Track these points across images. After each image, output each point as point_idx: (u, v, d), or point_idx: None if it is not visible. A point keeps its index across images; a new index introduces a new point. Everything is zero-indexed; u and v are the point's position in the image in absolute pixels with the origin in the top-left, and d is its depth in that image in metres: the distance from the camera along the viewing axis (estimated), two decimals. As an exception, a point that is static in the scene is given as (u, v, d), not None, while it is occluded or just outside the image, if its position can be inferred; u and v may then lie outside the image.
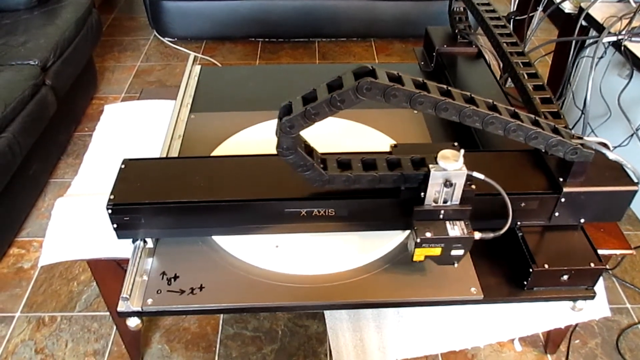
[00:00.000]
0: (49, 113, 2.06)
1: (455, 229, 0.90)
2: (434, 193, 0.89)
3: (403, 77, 0.79)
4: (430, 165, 0.87)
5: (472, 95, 0.84)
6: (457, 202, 0.91)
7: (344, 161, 0.93)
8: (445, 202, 0.90)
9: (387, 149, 1.00)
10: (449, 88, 0.83)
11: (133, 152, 1.32)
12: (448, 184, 0.87)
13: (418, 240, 0.89)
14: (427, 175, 0.88)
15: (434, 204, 0.91)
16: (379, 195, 0.95)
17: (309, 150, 0.89)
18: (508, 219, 0.91)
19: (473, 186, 0.90)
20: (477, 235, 0.92)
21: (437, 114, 0.81)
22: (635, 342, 1.60)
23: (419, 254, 0.92)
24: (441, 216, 0.91)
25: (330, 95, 0.76)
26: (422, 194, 0.90)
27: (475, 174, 0.88)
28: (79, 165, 1.29)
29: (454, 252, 0.92)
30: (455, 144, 1.00)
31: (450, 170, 0.86)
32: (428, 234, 0.89)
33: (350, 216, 0.98)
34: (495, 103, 0.85)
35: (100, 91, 2.77)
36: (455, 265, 0.95)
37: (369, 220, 1.00)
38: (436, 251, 0.91)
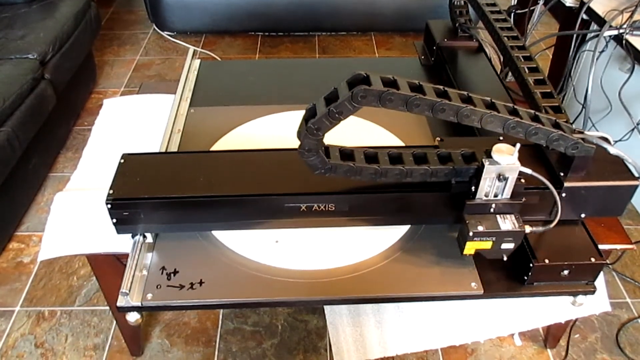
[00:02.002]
0: (48, 107, 2.05)
1: (507, 223, 0.91)
2: (486, 187, 0.90)
3: (398, 81, 0.79)
4: (484, 159, 0.87)
5: (470, 94, 0.84)
6: (508, 196, 0.91)
7: (394, 155, 0.93)
8: (495, 196, 0.91)
9: (388, 143, 1.00)
10: (446, 88, 0.82)
11: (132, 146, 1.31)
12: (501, 177, 0.87)
13: (470, 234, 0.89)
14: (479, 169, 0.88)
15: (485, 198, 0.91)
16: (419, 189, 0.95)
17: (348, 153, 0.90)
18: (557, 213, 0.92)
19: (522, 180, 0.90)
20: (528, 229, 0.92)
21: (435, 116, 0.81)
22: (635, 337, 1.60)
23: (470, 248, 0.92)
24: (492, 210, 0.92)
25: (328, 109, 0.77)
26: (473, 187, 0.90)
27: (524, 169, 0.88)
28: (78, 160, 1.29)
29: (504, 246, 0.92)
30: (501, 138, 1.00)
31: (504, 164, 0.86)
32: (480, 228, 0.90)
33: (350, 211, 0.98)
34: (493, 101, 0.85)
35: (99, 85, 2.76)
36: (505, 258, 0.95)
37: (369, 215, 0.99)
38: (487, 245, 0.92)
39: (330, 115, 0.78)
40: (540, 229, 0.94)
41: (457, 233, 0.97)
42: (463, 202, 0.92)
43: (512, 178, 0.88)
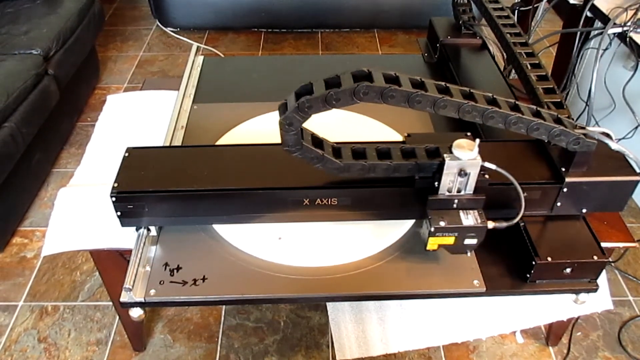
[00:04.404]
0: (52, 103, 2.06)
1: (469, 218, 0.91)
2: (448, 182, 0.90)
3: (400, 77, 0.79)
4: (445, 155, 0.87)
5: (471, 91, 0.84)
6: (471, 192, 0.91)
7: (358, 150, 0.93)
8: (459, 191, 0.91)
9: (390, 139, 1.00)
10: (447, 85, 0.82)
11: (135, 142, 1.30)
12: (462, 173, 0.88)
13: (432, 229, 0.90)
14: (441, 164, 0.88)
15: (447, 193, 0.91)
16: (387, 184, 0.95)
17: (318, 141, 0.90)
18: (521, 209, 0.92)
19: (487, 176, 0.90)
20: (491, 224, 0.92)
21: (436, 112, 0.81)
22: (637, 335, 1.60)
23: (433, 243, 0.93)
24: (455, 205, 0.92)
25: (328, 92, 0.77)
26: (436, 183, 0.90)
27: (487, 164, 0.88)
28: (82, 155, 1.29)
29: (467, 241, 0.92)
30: (469, 134, 1.00)
31: (465, 160, 0.86)
32: (442, 223, 0.90)
33: (353, 205, 0.98)
34: (494, 97, 0.85)
35: (102, 81, 2.76)
36: (469, 254, 0.95)
37: (371, 209, 0.99)
38: (450, 240, 0.92)
39: (327, 99, 0.77)
40: (504, 224, 0.93)
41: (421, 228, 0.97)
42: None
43: (473, 173, 0.88)
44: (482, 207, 0.92)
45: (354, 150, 0.93)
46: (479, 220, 0.90)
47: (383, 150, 0.93)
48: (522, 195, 0.91)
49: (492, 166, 0.88)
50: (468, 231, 0.91)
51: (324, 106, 0.78)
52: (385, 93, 0.77)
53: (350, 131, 1.26)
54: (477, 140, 0.87)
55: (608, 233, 1.09)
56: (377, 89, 0.76)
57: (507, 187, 0.92)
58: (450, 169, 0.87)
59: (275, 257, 1.00)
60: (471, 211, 0.92)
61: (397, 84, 0.78)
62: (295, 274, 0.98)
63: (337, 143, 0.93)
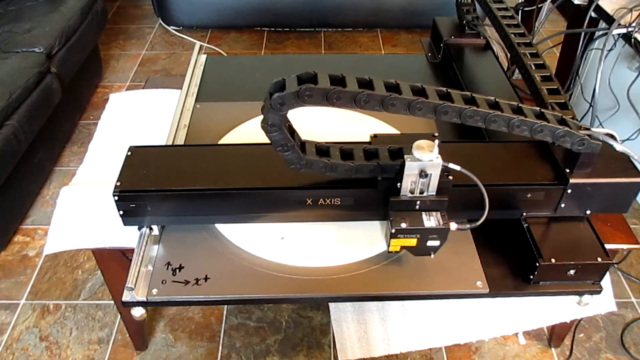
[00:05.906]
0: (54, 101, 2.06)
1: (432, 220, 0.90)
2: (410, 184, 0.89)
3: (401, 85, 0.79)
4: (406, 156, 0.87)
5: (473, 95, 0.83)
6: (434, 193, 0.90)
7: (322, 148, 0.92)
8: (421, 192, 0.90)
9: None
10: (449, 90, 0.82)
11: (138, 141, 1.30)
12: (423, 174, 0.87)
13: (393, 230, 0.89)
14: (402, 165, 0.87)
15: (410, 195, 0.90)
16: (358, 185, 0.95)
17: (292, 131, 0.89)
18: (485, 210, 0.90)
19: (450, 177, 0.90)
20: (454, 226, 0.91)
21: (438, 118, 0.81)
22: (640, 337, 1.60)
23: (395, 245, 0.92)
24: (417, 207, 0.91)
25: (332, 88, 0.76)
26: (398, 184, 0.90)
27: (452, 165, 0.87)
28: (84, 154, 1.29)
29: (430, 243, 0.92)
30: (436, 134, 1.00)
31: (425, 161, 0.86)
32: (403, 225, 0.89)
33: (356, 205, 0.98)
34: (497, 100, 0.84)
35: (105, 79, 2.76)
36: (432, 256, 0.94)
37: (374, 209, 0.99)
38: (412, 242, 0.92)
39: (329, 95, 0.77)
40: (467, 226, 0.92)
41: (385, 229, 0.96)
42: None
43: (435, 175, 0.88)
44: (445, 208, 0.91)
45: (318, 148, 0.92)
46: (441, 222, 0.90)
47: (346, 151, 0.93)
48: (486, 196, 0.89)
49: (457, 167, 0.88)
50: (430, 233, 0.90)
51: (323, 101, 0.78)
52: (385, 101, 0.77)
53: (351, 131, 1.26)
54: (437, 141, 0.86)
55: (611, 234, 1.09)
56: (377, 97, 0.76)
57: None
58: (410, 170, 0.87)
59: (278, 257, 0.99)
60: (434, 213, 0.91)
61: (397, 91, 0.78)
62: (298, 274, 0.98)
63: (303, 139, 0.93)
